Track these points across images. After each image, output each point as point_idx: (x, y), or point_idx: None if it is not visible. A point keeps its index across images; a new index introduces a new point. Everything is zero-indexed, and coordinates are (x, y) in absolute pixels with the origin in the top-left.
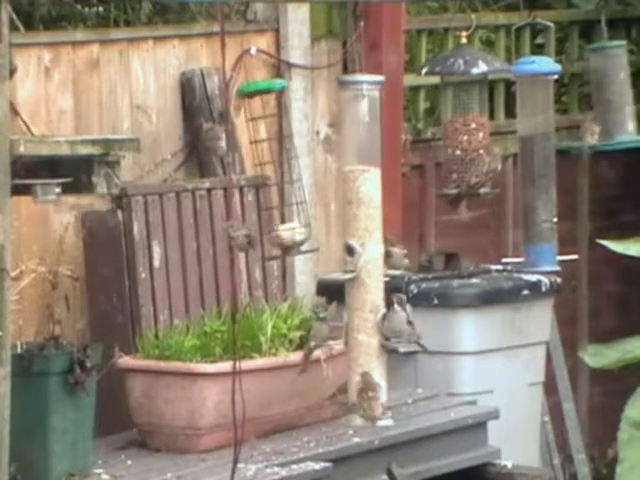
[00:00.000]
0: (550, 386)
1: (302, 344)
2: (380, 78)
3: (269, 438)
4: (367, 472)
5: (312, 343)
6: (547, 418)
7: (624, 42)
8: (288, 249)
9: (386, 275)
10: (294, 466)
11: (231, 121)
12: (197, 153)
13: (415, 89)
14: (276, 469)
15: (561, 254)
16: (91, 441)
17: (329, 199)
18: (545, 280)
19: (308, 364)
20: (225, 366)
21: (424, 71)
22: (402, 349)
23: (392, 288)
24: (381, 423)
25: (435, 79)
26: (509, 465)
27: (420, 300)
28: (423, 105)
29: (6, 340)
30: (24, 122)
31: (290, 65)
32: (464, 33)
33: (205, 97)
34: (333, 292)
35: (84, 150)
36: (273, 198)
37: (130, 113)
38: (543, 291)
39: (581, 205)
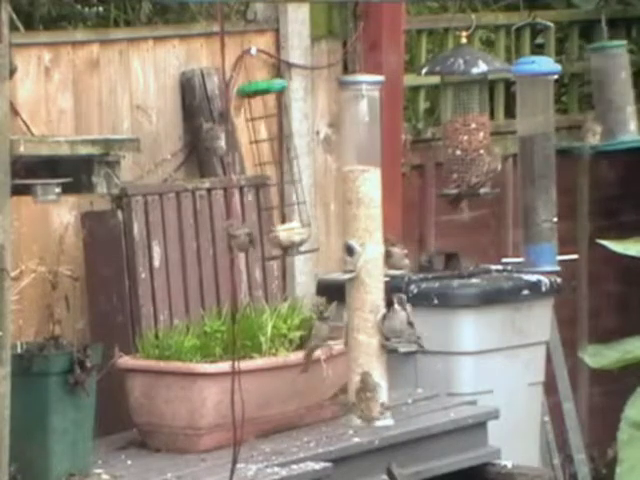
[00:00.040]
0: (550, 386)
1: (302, 344)
2: (380, 78)
3: (269, 438)
4: (367, 472)
5: (313, 342)
6: (547, 418)
7: (624, 42)
8: (288, 249)
9: (386, 275)
10: (294, 466)
11: (231, 121)
12: (197, 153)
13: (415, 89)
14: (276, 469)
15: (561, 254)
16: (91, 441)
17: (329, 199)
18: (545, 280)
19: (310, 364)
20: (225, 366)
21: (424, 71)
22: (402, 349)
23: (392, 288)
24: (381, 423)
25: (435, 79)
26: (509, 465)
27: (420, 300)
28: (423, 105)
29: (6, 340)
30: (24, 122)
31: (290, 65)
32: (464, 33)
33: (205, 97)
34: (333, 292)
35: (84, 150)
36: (273, 198)
37: (130, 113)
38: (543, 291)
39: (581, 205)
